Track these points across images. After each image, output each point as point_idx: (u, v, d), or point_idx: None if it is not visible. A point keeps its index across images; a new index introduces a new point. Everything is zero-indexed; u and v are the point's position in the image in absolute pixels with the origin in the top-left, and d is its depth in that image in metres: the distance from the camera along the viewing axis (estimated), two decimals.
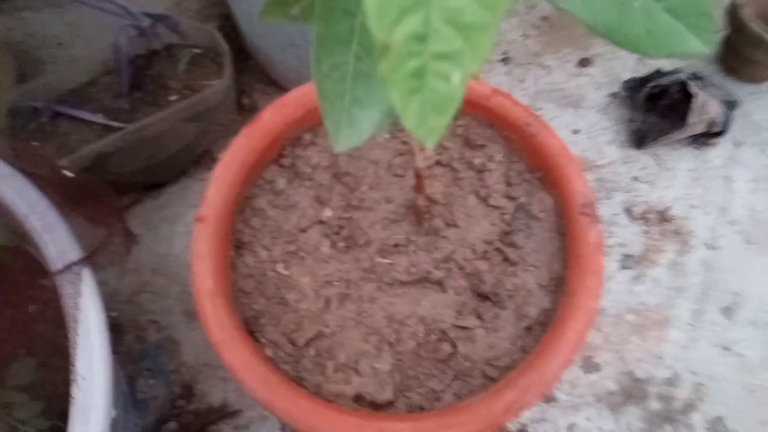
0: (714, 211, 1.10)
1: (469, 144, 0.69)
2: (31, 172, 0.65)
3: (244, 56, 1.15)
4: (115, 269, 1.02)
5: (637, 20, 0.23)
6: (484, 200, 0.66)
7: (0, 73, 1.05)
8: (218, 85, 0.96)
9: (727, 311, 1.00)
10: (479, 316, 0.61)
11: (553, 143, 0.65)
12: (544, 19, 1.30)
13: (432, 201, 0.65)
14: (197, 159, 1.08)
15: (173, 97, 0.98)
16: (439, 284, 0.62)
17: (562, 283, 0.62)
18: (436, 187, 0.66)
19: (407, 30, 0.18)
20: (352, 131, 0.28)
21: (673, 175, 1.13)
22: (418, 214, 0.63)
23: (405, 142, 0.69)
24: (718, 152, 1.15)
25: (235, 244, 0.64)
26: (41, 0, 1.24)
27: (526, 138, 0.67)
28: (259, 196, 0.66)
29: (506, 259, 0.63)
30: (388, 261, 0.62)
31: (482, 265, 0.63)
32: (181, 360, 0.95)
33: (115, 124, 0.95)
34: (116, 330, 0.97)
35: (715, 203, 1.10)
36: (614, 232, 1.07)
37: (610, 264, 1.04)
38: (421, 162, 0.54)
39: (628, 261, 1.04)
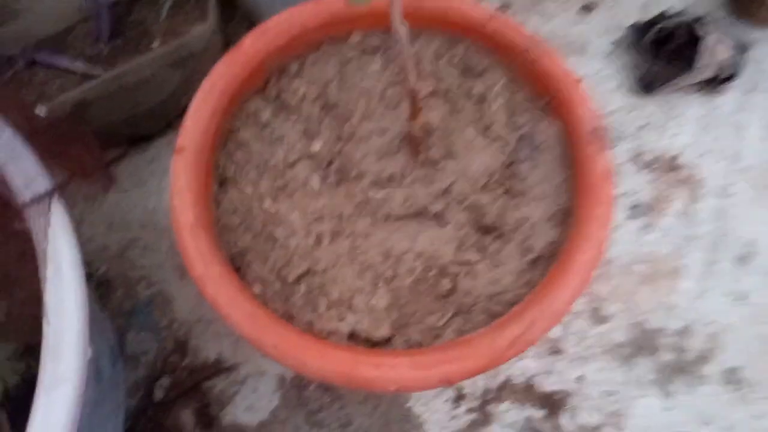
0: (724, 158, 1.05)
1: (467, 72, 0.65)
2: None
3: (232, 4, 1.09)
4: (104, 224, 0.98)
5: None
6: (484, 131, 0.62)
7: None
8: (201, 30, 0.91)
9: (740, 260, 0.96)
10: (481, 250, 0.57)
11: (556, 68, 0.61)
12: None
13: (428, 131, 0.60)
14: (183, 111, 1.03)
15: (155, 44, 0.93)
16: (438, 218, 0.58)
17: (570, 214, 0.57)
18: (432, 118, 0.61)
19: None
20: None
21: (682, 122, 1.08)
22: (413, 144, 0.58)
23: (398, 72, 0.65)
24: (728, 98, 1.10)
25: (218, 179, 0.60)
26: None
27: (526, 64, 0.62)
28: (242, 129, 0.62)
29: (509, 191, 0.59)
30: (382, 195, 0.58)
31: (483, 198, 0.58)
32: (174, 316, 0.92)
33: (94, 71, 0.90)
34: (105, 286, 0.93)
35: (725, 150, 1.06)
36: (622, 181, 1.02)
37: (619, 213, 1.00)
38: (414, 81, 0.50)
39: (636, 210, 1.00)
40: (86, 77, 0.90)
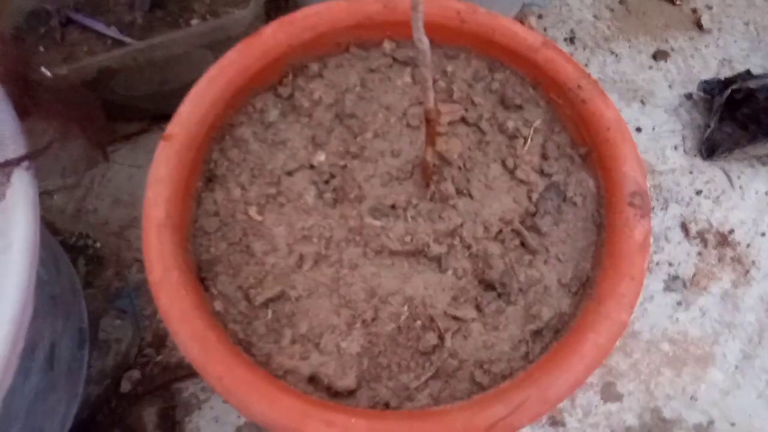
0: None
1: (504, 103, 0.57)
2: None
3: None
4: (111, 198, 0.94)
5: None
6: (510, 171, 0.54)
7: None
8: (242, 14, 0.86)
9: None
10: (479, 308, 0.49)
11: (607, 114, 0.53)
12: (622, 1, 1.15)
13: (445, 160, 0.53)
14: None
15: (194, 21, 0.89)
16: (437, 261, 0.51)
17: (590, 285, 0.49)
18: (453, 146, 0.54)
19: None
20: None
21: (743, 194, 0.98)
22: (426, 173, 0.51)
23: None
24: None
25: (206, 175, 0.54)
26: None
27: (574, 104, 0.54)
28: (244, 125, 0.56)
29: (524, 245, 0.51)
30: (380, 223, 0.51)
31: (493, 248, 0.51)
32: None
33: (127, 39, 0.86)
34: (97, 262, 0.89)
35: None
36: (664, 248, 0.93)
37: (654, 283, 0.90)
38: (432, 101, 0.43)
39: (674, 283, 0.90)
40: (117, 44, 0.87)
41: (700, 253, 0.93)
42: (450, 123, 0.57)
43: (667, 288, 0.90)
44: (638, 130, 1.02)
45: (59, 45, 0.88)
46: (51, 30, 0.89)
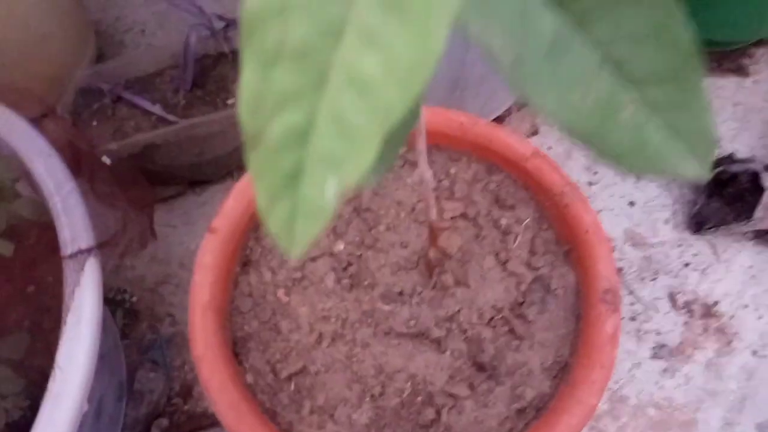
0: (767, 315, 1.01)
1: (499, 202, 0.66)
2: (69, 152, 0.67)
3: None
4: (148, 255, 1.04)
5: (624, 133, 0.21)
6: (502, 264, 0.63)
7: (81, 49, 1.11)
8: None
9: (761, 428, 0.92)
10: (471, 387, 0.57)
11: (586, 218, 0.62)
12: None
13: (446, 254, 0.62)
14: (244, 164, 1.09)
15: (231, 101, 1.00)
16: (437, 343, 0.59)
17: (567, 370, 0.57)
18: (453, 241, 0.63)
19: (286, 122, 0.16)
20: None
21: (729, 268, 1.05)
22: (429, 265, 0.60)
23: (435, 188, 0.67)
24: None
25: (243, 260, 0.64)
26: None
27: (558, 207, 0.63)
28: None
29: (512, 332, 0.60)
30: (389, 308, 0.60)
31: (486, 333, 0.59)
32: (187, 357, 0.96)
33: (170, 117, 0.97)
34: (132, 316, 0.99)
35: None
36: (652, 317, 1.00)
37: (642, 350, 0.97)
38: (434, 215, 0.52)
39: (661, 350, 0.97)
40: (161, 122, 0.98)
41: (686, 323, 1.00)
42: (452, 218, 0.66)
43: (655, 355, 0.97)
44: (632, 204, 1.11)
45: (110, 120, 1.00)
46: (103, 106, 1.00)
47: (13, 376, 0.57)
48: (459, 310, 0.60)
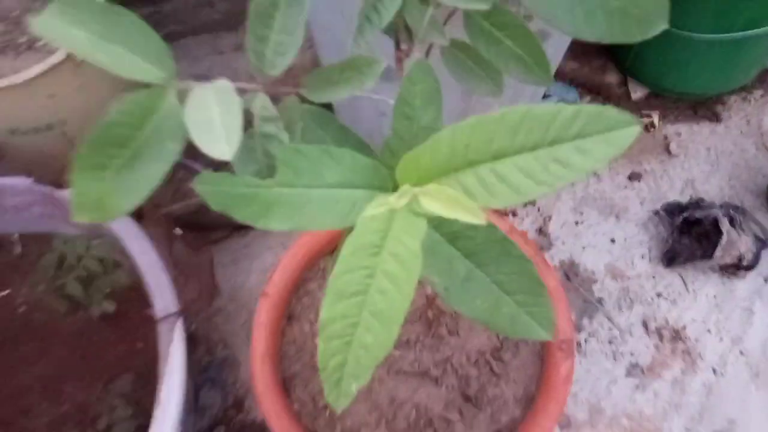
0: (728, 339, 1.18)
1: None
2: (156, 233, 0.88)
3: None
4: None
5: (505, 318, 0.40)
6: None
7: None
8: None
9: None
10: (461, 413, 0.77)
11: (549, 282, 0.80)
12: None
13: (441, 311, 0.81)
14: None
15: None
16: (435, 380, 0.78)
17: (533, 401, 0.76)
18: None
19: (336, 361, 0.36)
20: None
21: (696, 297, 1.22)
22: (428, 320, 0.80)
23: None
24: (745, 284, 1.23)
25: (288, 315, 0.83)
26: None
27: None
28: (312, 280, 0.85)
29: (492, 371, 0.79)
30: (399, 352, 0.80)
31: (472, 371, 0.79)
32: (238, 375, 1.17)
33: None
34: (192, 341, 1.20)
35: (730, 332, 1.19)
36: (628, 341, 1.18)
37: (618, 369, 1.15)
38: (431, 290, 0.71)
39: (634, 370, 1.15)
40: None
41: (656, 346, 1.18)
42: None
43: (628, 374, 1.15)
44: (612, 241, 1.28)
45: (169, 184, 1.20)
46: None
47: (124, 405, 0.78)
48: (452, 354, 0.80)
